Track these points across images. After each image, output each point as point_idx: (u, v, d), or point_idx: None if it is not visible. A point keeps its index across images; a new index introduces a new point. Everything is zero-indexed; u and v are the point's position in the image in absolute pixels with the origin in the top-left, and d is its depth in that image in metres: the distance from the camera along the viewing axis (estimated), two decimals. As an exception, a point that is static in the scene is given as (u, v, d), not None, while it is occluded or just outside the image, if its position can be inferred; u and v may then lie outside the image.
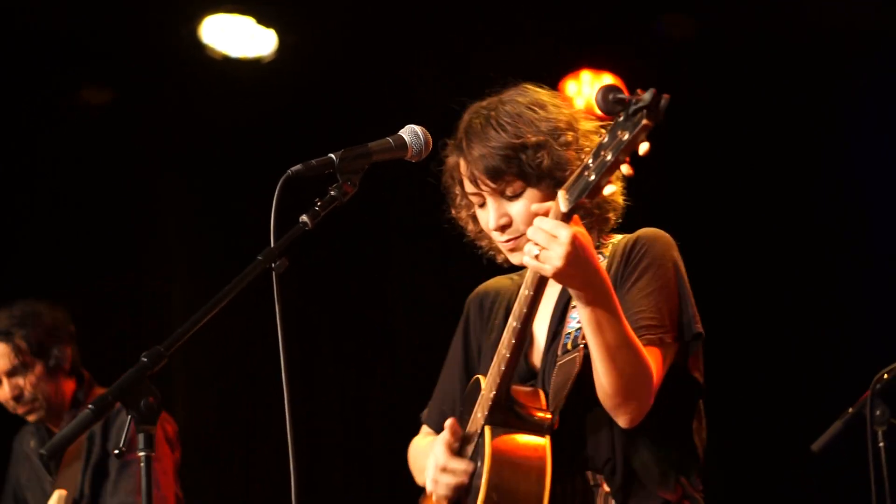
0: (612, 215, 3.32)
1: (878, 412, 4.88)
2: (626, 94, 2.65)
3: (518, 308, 3.06)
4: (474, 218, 3.42)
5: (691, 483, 3.23)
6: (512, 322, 3.09)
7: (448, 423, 3.25)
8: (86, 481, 5.24)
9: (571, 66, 7.51)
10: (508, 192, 3.27)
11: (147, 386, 2.65)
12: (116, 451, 2.74)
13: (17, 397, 5.30)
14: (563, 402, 3.12)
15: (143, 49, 7.05)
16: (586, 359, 3.09)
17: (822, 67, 7.00)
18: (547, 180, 3.22)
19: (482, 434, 3.13)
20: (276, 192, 3.02)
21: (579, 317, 3.02)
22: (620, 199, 3.33)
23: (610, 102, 2.66)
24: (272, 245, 2.95)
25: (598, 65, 7.49)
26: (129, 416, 2.66)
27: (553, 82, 7.48)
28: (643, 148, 2.66)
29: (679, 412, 3.20)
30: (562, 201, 2.83)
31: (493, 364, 3.16)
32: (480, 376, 3.29)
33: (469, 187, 3.34)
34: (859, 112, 7.01)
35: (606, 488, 3.14)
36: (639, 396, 3.04)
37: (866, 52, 6.92)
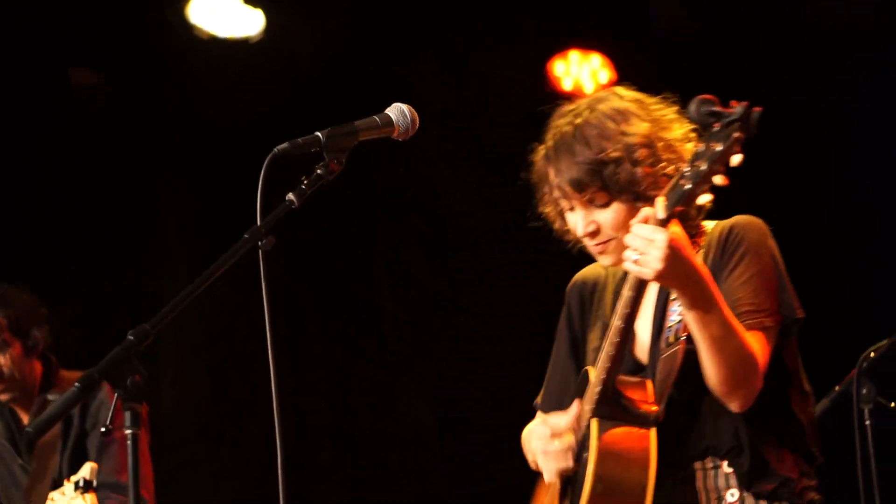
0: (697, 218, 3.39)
1: (864, 390, 4.91)
2: (719, 107, 2.81)
3: (621, 308, 3.18)
4: (562, 215, 3.49)
5: (806, 457, 3.35)
6: (615, 321, 3.20)
7: (574, 408, 3.35)
8: (64, 461, 5.21)
9: (560, 46, 7.51)
10: (596, 201, 3.36)
11: (133, 364, 2.65)
12: (103, 430, 2.74)
13: None
14: (667, 395, 3.23)
15: (130, 30, 7.04)
16: (688, 351, 3.20)
17: (824, 62, 7.01)
18: (627, 193, 3.32)
19: (589, 426, 3.25)
20: (263, 171, 3.02)
21: (683, 314, 3.14)
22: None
23: (703, 114, 2.83)
24: (259, 223, 2.95)
25: (586, 45, 7.49)
26: (116, 395, 2.66)
27: (541, 62, 7.56)
28: (736, 159, 2.83)
29: (782, 393, 3.31)
30: (659, 208, 2.96)
31: (599, 359, 3.27)
32: (590, 368, 3.38)
33: (557, 193, 3.43)
34: (859, 109, 7.02)
35: (727, 469, 3.26)
36: (747, 382, 3.16)
37: (868, 50, 6.92)
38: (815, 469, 3.38)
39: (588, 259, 3.60)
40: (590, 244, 3.41)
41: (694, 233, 3.36)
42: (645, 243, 2.98)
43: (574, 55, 7.50)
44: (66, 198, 7.24)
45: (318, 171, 3.08)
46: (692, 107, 2.84)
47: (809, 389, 3.45)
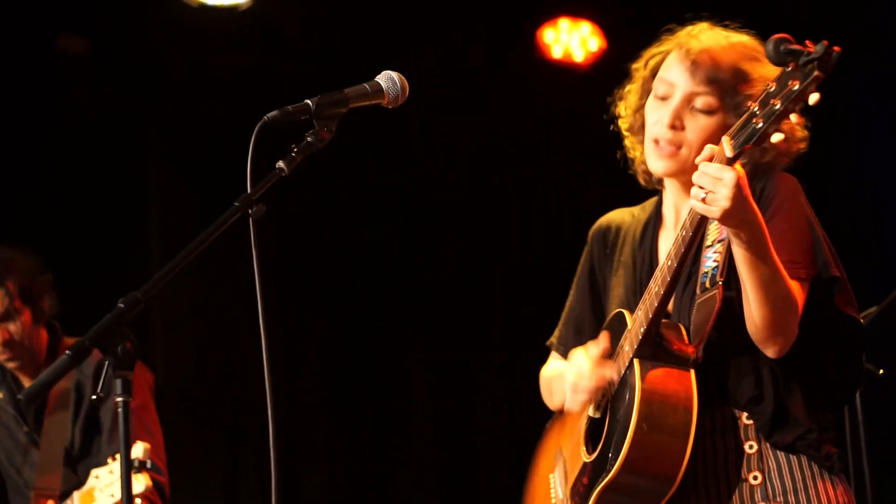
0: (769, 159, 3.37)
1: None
2: (796, 45, 2.76)
3: (675, 248, 3.18)
4: (641, 111, 3.50)
5: (829, 410, 3.34)
6: (668, 261, 3.21)
7: (602, 340, 3.37)
8: (76, 430, 5.23)
9: (549, 13, 7.50)
10: (699, 103, 3.35)
11: (124, 331, 2.66)
12: (94, 397, 2.74)
13: (6, 342, 5.24)
14: (706, 337, 3.22)
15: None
16: (726, 297, 3.19)
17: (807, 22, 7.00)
18: (731, 114, 3.31)
19: (630, 367, 3.25)
20: (253, 139, 3.02)
21: (735, 254, 3.11)
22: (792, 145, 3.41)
23: (781, 53, 2.78)
24: (248, 191, 2.95)
25: (575, 13, 7.48)
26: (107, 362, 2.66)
27: (531, 30, 7.55)
28: (813, 98, 2.78)
29: (824, 348, 3.29)
30: (727, 146, 2.95)
31: (643, 300, 3.28)
32: (624, 311, 3.39)
33: (668, 74, 3.42)
34: (859, 109, 7.02)
35: (747, 421, 3.27)
36: (788, 328, 3.15)
37: (868, 49, 6.91)
38: (836, 422, 3.38)
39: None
40: (659, 136, 3.37)
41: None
42: (713, 181, 2.98)
43: (564, 23, 7.49)
44: (49, 166, 7.20)
45: (308, 139, 3.08)
46: (769, 46, 2.80)
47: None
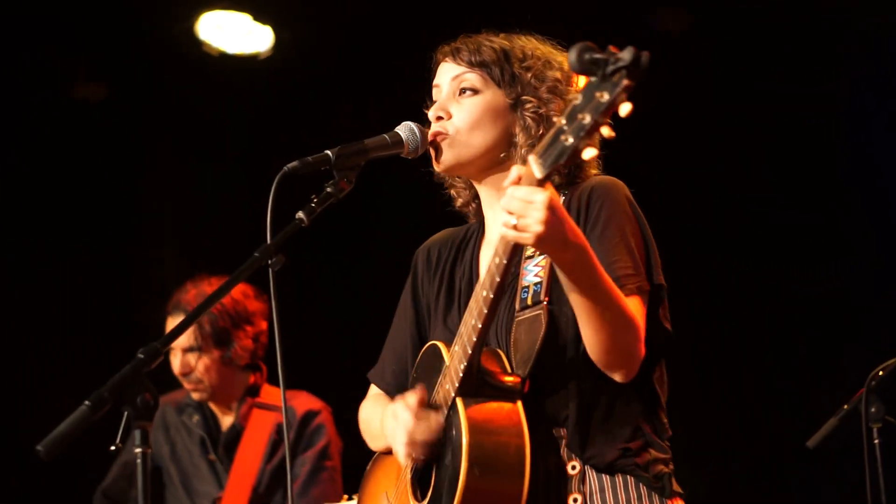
0: (559, 176, 3.25)
1: (873, 409, 4.89)
2: (602, 53, 2.49)
3: (489, 278, 2.94)
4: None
5: (654, 429, 3.19)
6: (481, 291, 2.97)
7: (418, 392, 3.15)
8: (267, 471, 5.26)
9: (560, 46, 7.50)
10: (464, 84, 3.29)
11: (143, 382, 2.65)
12: (112, 448, 2.73)
13: (185, 374, 5.27)
14: (533, 364, 3.05)
15: (139, 45, 7.06)
16: (552, 316, 3.06)
17: (823, 59, 7.01)
18: (505, 90, 3.26)
19: (454, 407, 3.04)
20: (273, 189, 3.04)
21: (560, 278, 2.93)
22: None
23: (586, 62, 2.50)
24: (268, 242, 2.96)
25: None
26: (126, 413, 2.65)
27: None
28: (625, 109, 2.51)
29: (646, 363, 3.10)
30: (535, 167, 2.70)
31: (460, 333, 3.06)
32: (439, 344, 3.21)
33: (435, 79, 3.37)
34: (854, 103, 7.01)
35: (565, 438, 3.10)
36: (630, 348, 3.00)
37: (868, 48, 6.92)
38: (665, 440, 3.20)
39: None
40: (433, 132, 3.29)
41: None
42: (523, 206, 2.74)
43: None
44: (60, 193, 7.22)
45: (328, 189, 3.10)
46: (572, 55, 2.49)
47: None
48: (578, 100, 2.57)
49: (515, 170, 2.79)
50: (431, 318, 3.44)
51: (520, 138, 3.27)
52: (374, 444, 3.49)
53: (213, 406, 5.42)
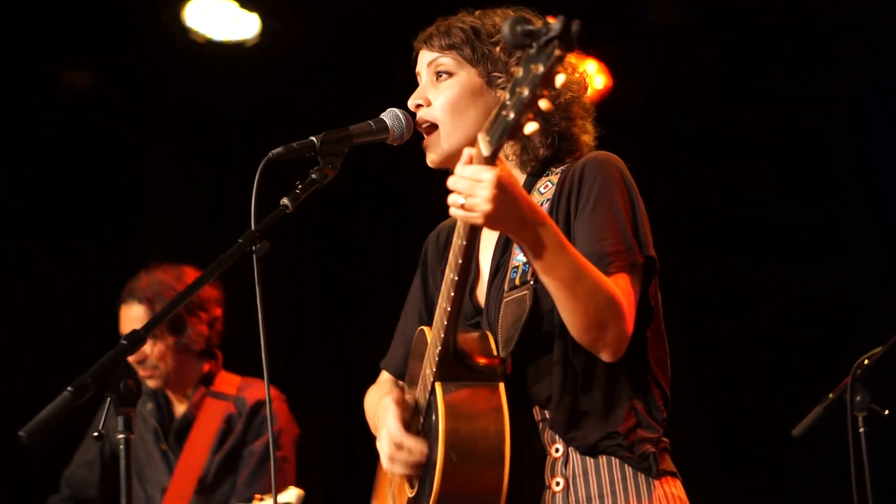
0: (542, 150, 3.24)
1: (858, 398, 4.90)
2: (534, 25, 2.48)
3: (453, 259, 2.91)
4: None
5: (648, 408, 3.13)
6: (448, 274, 2.94)
7: (394, 395, 3.17)
8: (214, 461, 5.26)
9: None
10: (439, 68, 3.29)
11: (126, 368, 2.64)
12: (95, 434, 2.73)
13: (140, 362, 5.23)
14: (515, 345, 3.02)
15: (125, 33, 7.04)
16: (537, 296, 3.03)
17: (822, 58, 7.01)
18: (481, 68, 3.26)
19: (433, 391, 3.00)
20: (257, 175, 3.03)
21: (526, 258, 2.92)
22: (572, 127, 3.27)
23: (519, 35, 2.49)
24: (252, 228, 2.95)
25: (580, 50, 7.47)
26: (108, 401, 2.64)
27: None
28: (559, 80, 2.50)
29: (632, 341, 3.02)
30: (482, 144, 2.67)
31: (435, 317, 3.03)
32: (426, 328, 3.17)
33: (416, 67, 3.36)
34: (851, 98, 7.02)
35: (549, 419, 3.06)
36: (612, 325, 2.92)
37: (866, 46, 6.92)
38: (659, 420, 3.13)
39: None
40: (419, 123, 3.29)
41: (541, 168, 3.23)
42: (470, 185, 2.71)
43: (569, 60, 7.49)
44: (46, 183, 7.20)
45: (313, 176, 3.09)
46: (505, 29, 2.49)
47: (664, 332, 3.22)
48: (519, 73, 2.54)
49: (466, 151, 2.77)
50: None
51: None
52: (375, 431, 3.44)
53: (169, 394, 5.41)
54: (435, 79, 3.31)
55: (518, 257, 3.08)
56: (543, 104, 2.53)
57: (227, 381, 5.43)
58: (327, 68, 7.36)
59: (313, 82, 7.40)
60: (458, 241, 2.87)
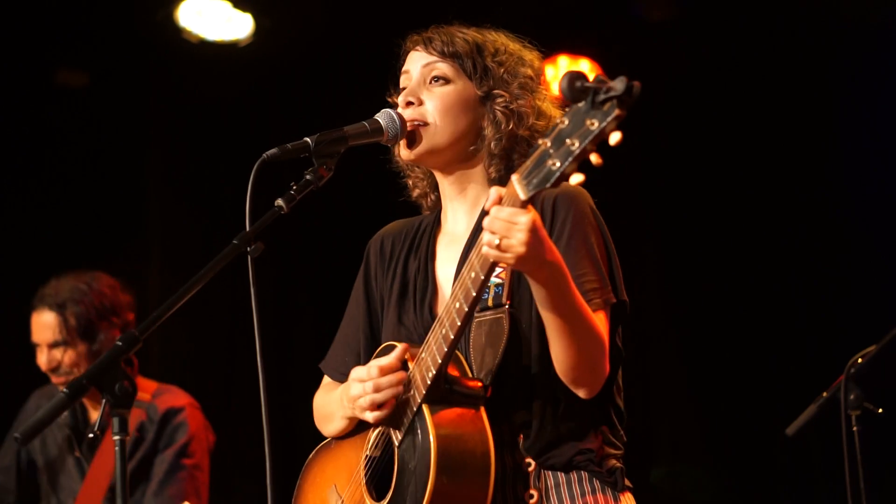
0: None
1: (851, 396, 4.90)
2: (593, 82, 2.52)
3: (464, 291, 2.95)
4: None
5: (612, 430, 3.24)
6: (456, 303, 2.98)
7: (403, 349, 3.16)
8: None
9: (548, 50, 7.49)
10: (435, 72, 3.30)
11: (122, 370, 2.64)
12: (91, 435, 2.73)
13: (53, 369, 5.21)
14: (496, 370, 3.08)
15: (119, 32, 7.03)
16: (514, 323, 3.09)
17: (817, 55, 7.01)
18: (475, 82, 3.27)
19: (420, 413, 3.06)
20: (252, 176, 3.03)
21: (535, 295, 2.96)
22: None
23: (577, 91, 2.54)
24: (247, 229, 2.95)
25: (574, 50, 7.49)
26: (104, 402, 2.64)
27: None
28: (614, 138, 2.54)
29: (610, 374, 3.14)
30: (520, 189, 2.73)
31: (428, 341, 3.07)
32: (397, 345, 3.19)
33: (405, 65, 3.37)
34: (854, 109, 7.03)
35: (522, 441, 3.13)
36: (597, 365, 3.04)
37: (862, 42, 6.92)
38: (621, 440, 3.25)
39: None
40: (407, 120, 3.30)
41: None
42: (507, 227, 2.78)
43: (563, 60, 7.50)
44: (38, 181, 7.19)
45: (308, 177, 3.09)
46: (564, 83, 2.52)
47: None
48: (565, 123, 2.59)
49: (495, 190, 2.83)
50: (384, 309, 3.44)
51: (488, 131, 3.29)
52: (329, 426, 3.48)
53: (84, 401, 5.35)
54: (429, 81, 3.32)
55: (490, 279, 3.07)
56: (594, 159, 2.59)
57: (143, 388, 5.35)
58: (320, 68, 7.35)
59: (307, 82, 7.39)
60: (472, 274, 2.93)
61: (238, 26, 7.13)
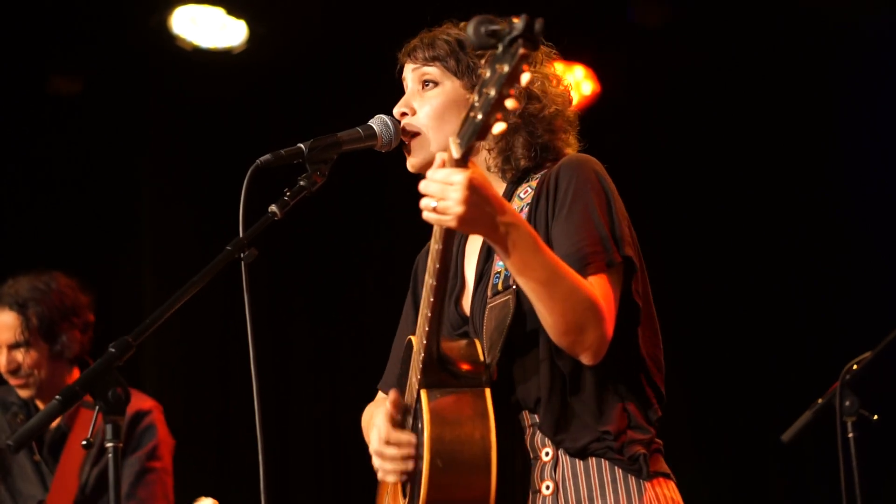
0: (524, 162, 3.22)
1: (847, 403, 4.90)
2: (498, 25, 2.47)
3: (431, 264, 2.89)
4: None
5: (642, 409, 3.11)
6: (428, 279, 2.92)
7: (390, 395, 3.12)
8: (93, 474, 5.10)
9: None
10: (424, 77, 3.29)
11: (115, 376, 2.63)
12: (84, 442, 2.72)
13: (13, 371, 5.13)
14: (500, 350, 3.01)
15: (113, 39, 7.03)
16: (519, 299, 3.01)
17: (802, 50, 7.02)
18: (466, 80, 3.26)
19: (419, 399, 2.99)
20: (245, 182, 3.02)
21: (502, 261, 2.91)
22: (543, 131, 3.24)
23: (483, 36, 2.48)
24: (241, 235, 2.94)
25: (569, 57, 7.49)
26: (98, 409, 2.63)
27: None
28: (524, 78, 2.50)
29: (621, 340, 3.01)
30: (453, 147, 2.67)
31: (418, 324, 3.01)
32: (412, 337, 3.15)
33: (402, 77, 3.37)
34: (839, 104, 7.04)
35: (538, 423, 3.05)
36: (591, 326, 2.90)
37: (856, 43, 6.93)
38: (653, 420, 3.11)
39: None
40: (404, 131, 3.28)
41: (522, 175, 3.22)
42: (442, 188, 2.72)
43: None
44: (33, 189, 7.19)
45: (301, 183, 3.09)
46: (470, 30, 2.49)
47: (657, 328, 3.19)
48: (487, 74, 2.55)
49: (439, 155, 2.78)
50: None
51: None
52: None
53: (40, 404, 5.25)
54: (421, 88, 3.32)
55: (499, 263, 3.05)
56: (510, 103, 2.53)
57: None
58: (314, 75, 7.36)
59: (300, 89, 7.40)
60: (434, 246, 2.87)
61: (232, 33, 7.13)
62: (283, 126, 7.21)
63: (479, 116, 2.56)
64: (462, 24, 3.35)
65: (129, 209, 7.46)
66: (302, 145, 3.11)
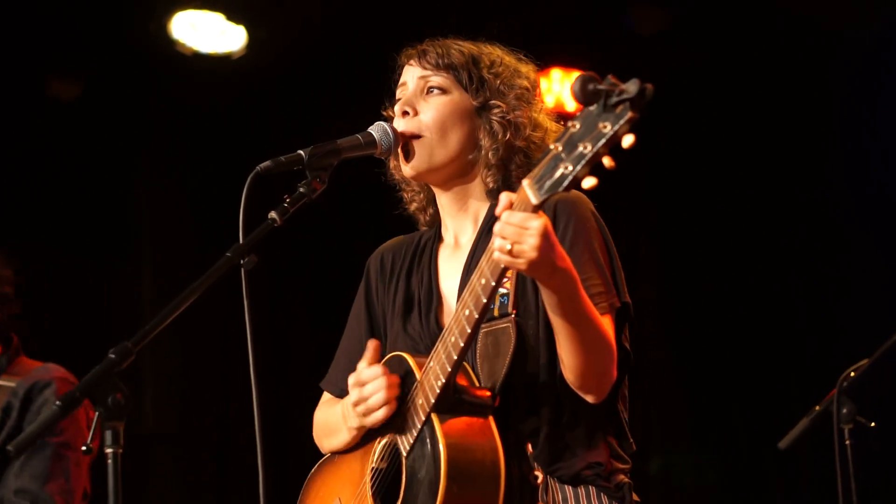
0: (517, 174, 3.28)
1: (844, 410, 4.90)
2: (605, 84, 2.53)
3: (474, 298, 2.93)
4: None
5: (620, 444, 3.23)
6: (465, 310, 2.96)
7: (371, 343, 3.19)
8: None
9: (541, 63, 7.51)
10: (431, 83, 3.31)
11: (114, 382, 2.62)
12: (84, 448, 2.72)
13: None
14: (503, 379, 3.08)
15: (113, 44, 7.04)
16: (520, 330, 3.08)
17: (801, 51, 7.03)
18: (471, 94, 3.28)
19: (429, 422, 3.05)
20: (245, 189, 3.02)
21: (545, 301, 2.95)
22: None
23: (590, 93, 2.52)
24: (241, 241, 2.95)
25: (567, 63, 7.51)
26: (96, 414, 2.63)
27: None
28: (627, 141, 2.53)
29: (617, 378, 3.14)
30: (531, 193, 2.70)
31: (437, 350, 3.06)
32: (405, 356, 3.19)
33: (401, 78, 3.38)
34: (846, 120, 7.05)
35: (531, 450, 3.12)
36: (606, 370, 3.04)
37: (853, 46, 6.94)
38: (629, 452, 3.25)
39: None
40: (398, 127, 3.31)
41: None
42: (518, 232, 2.75)
43: (556, 73, 7.52)
44: (32, 192, 7.20)
45: (301, 190, 3.09)
46: (576, 85, 2.51)
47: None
48: (576, 127, 2.57)
49: (505, 196, 2.80)
50: (387, 325, 3.44)
51: (485, 142, 3.30)
52: (333, 440, 3.45)
53: None
54: (425, 92, 3.33)
55: (500, 289, 3.06)
56: (606, 162, 2.56)
57: (23, 369, 4.96)
58: (314, 81, 7.37)
59: (300, 95, 7.40)
60: (482, 281, 2.91)
61: (231, 39, 7.15)
62: (283, 131, 7.21)
63: (570, 168, 2.59)
64: (467, 41, 3.40)
65: (128, 213, 7.47)
66: (302, 152, 3.11)
